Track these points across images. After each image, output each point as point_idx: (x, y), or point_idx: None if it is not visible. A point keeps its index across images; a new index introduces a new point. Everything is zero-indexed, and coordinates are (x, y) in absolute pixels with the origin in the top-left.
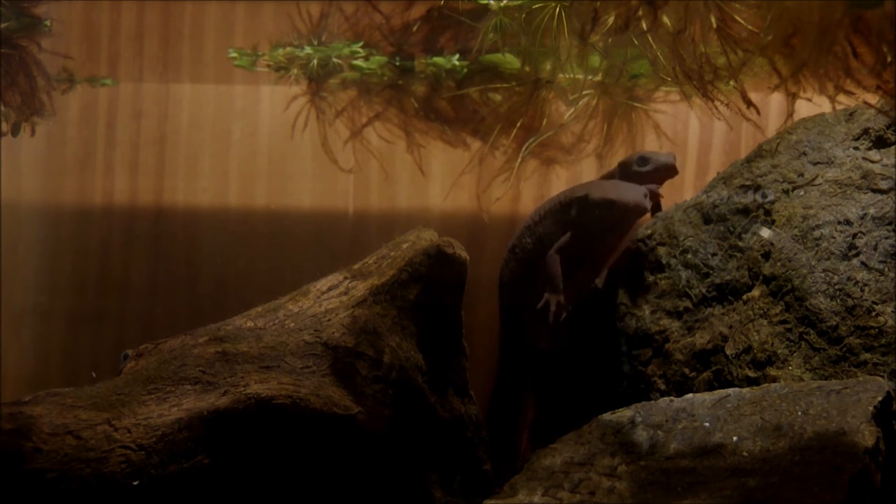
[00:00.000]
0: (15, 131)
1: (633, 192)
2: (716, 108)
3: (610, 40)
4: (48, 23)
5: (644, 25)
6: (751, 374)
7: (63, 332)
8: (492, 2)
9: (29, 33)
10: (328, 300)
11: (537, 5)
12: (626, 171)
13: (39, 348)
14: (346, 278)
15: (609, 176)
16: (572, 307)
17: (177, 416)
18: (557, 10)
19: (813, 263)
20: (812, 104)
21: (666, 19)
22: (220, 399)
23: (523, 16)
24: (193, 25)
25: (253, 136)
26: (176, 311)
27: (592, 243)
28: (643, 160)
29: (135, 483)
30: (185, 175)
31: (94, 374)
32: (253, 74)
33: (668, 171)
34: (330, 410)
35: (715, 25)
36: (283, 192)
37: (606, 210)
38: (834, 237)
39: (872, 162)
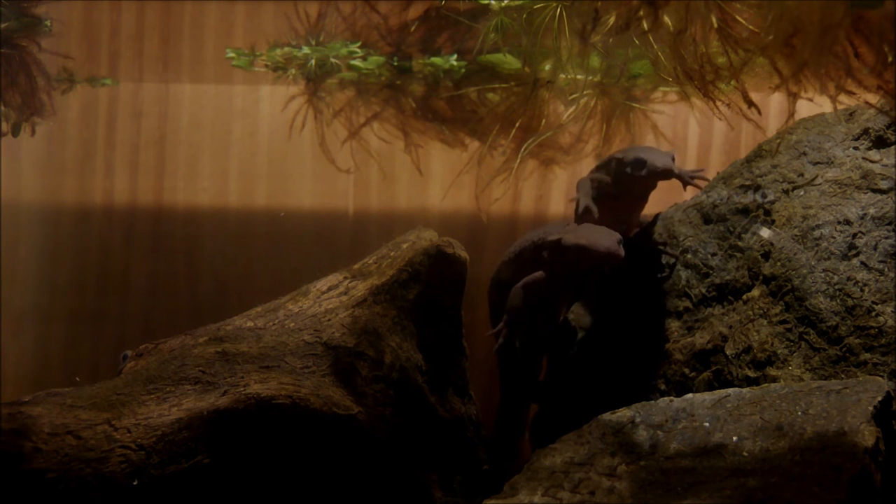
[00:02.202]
0: (15, 131)
1: (606, 240)
2: (717, 108)
3: (611, 40)
4: (48, 23)
5: (645, 25)
6: (751, 374)
7: (63, 332)
8: (493, 2)
9: (29, 33)
10: (328, 300)
11: (538, 5)
12: (620, 172)
13: (39, 348)
14: (346, 278)
15: (604, 164)
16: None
17: (177, 416)
18: (558, 10)
19: (813, 263)
20: (811, 104)
21: (667, 19)
22: (220, 399)
23: (524, 16)
24: (193, 25)
25: (253, 136)
26: (176, 311)
27: (565, 284)
28: (638, 164)
29: (135, 483)
30: (185, 175)
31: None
32: (253, 74)
33: (664, 176)
34: (330, 410)
35: (716, 25)
36: (283, 192)
37: (578, 256)
38: (834, 237)
39: (872, 162)
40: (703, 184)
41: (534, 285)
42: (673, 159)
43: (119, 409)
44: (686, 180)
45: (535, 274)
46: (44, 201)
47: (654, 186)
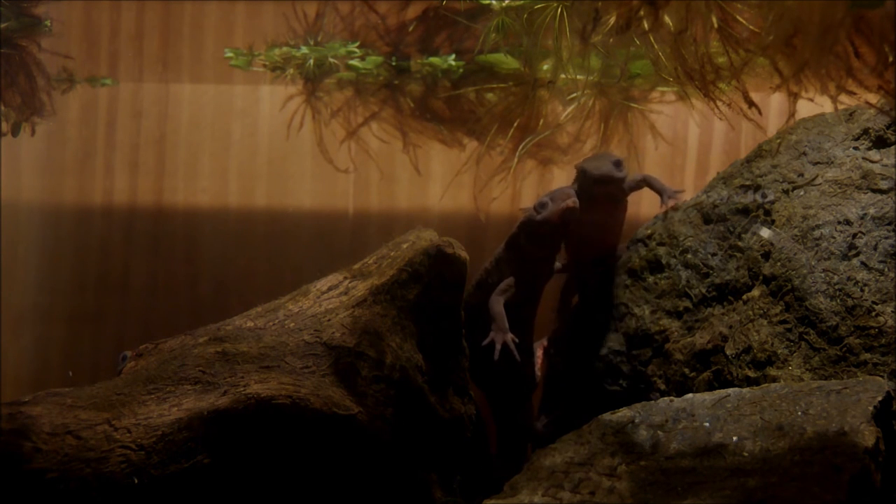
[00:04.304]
0: (15, 131)
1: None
2: (717, 108)
3: (611, 40)
4: (48, 23)
5: (646, 25)
6: (751, 374)
7: (63, 332)
8: (493, 2)
9: (29, 33)
10: (328, 300)
11: (539, 5)
12: (580, 180)
13: (39, 348)
14: (346, 278)
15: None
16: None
17: (177, 416)
18: (559, 10)
19: (813, 263)
20: (811, 104)
21: (667, 19)
22: (220, 399)
23: (525, 16)
24: (193, 25)
25: (253, 136)
26: (176, 311)
27: (534, 287)
28: (582, 172)
29: (135, 483)
30: (185, 175)
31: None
32: (253, 74)
33: (601, 182)
34: (330, 410)
35: (716, 25)
36: (283, 192)
37: (549, 219)
38: (834, 237)
39: (872, 162)
40: (672, 202)
41: (507, 290)
42: (618, 164)
43: (119, 409)
44: (631, 187)
45: (505, 281)
46: (44, 201)
47: (616, 193)
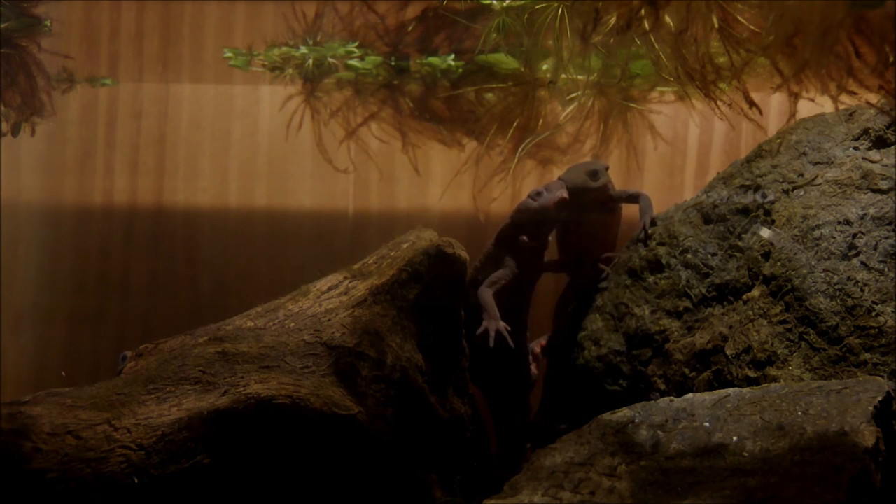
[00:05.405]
0: (15, 131)
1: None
2: (717, 108)
3: (612, 40)
4: (48, 23)
5: (646, 25)
6: (751, 374)
7: (63, 332)
8: (494, 2)
9: (29, 33)
10: (328, 300)
11: (540, 5)
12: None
13: (39, 348)
14: (346, 278)
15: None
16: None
17: (177, 416)
18: (559, 10)
19: (813, 263)
20: (811, 104)
21: (668, 19)
22: (220, 399)
23: (525, 16)
24: (193, 25)
25: (253, 136)
26: (176, 311)
27: (525, 275)
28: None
29: (135, 482)
30: (185, 175)
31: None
32: (253, 74)
33: (574, 194)
34: (330, 410)
35: (717, 25)
36: (283, 192)
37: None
38: (834, 237)
39: (872, 162)
40: (643, 224)
41: (496, 282)
42: (594, 174)
43: (119, 409)
44: (621, 197)
45: (496, 273)
46: (44, 201)
47: (598, 201)
